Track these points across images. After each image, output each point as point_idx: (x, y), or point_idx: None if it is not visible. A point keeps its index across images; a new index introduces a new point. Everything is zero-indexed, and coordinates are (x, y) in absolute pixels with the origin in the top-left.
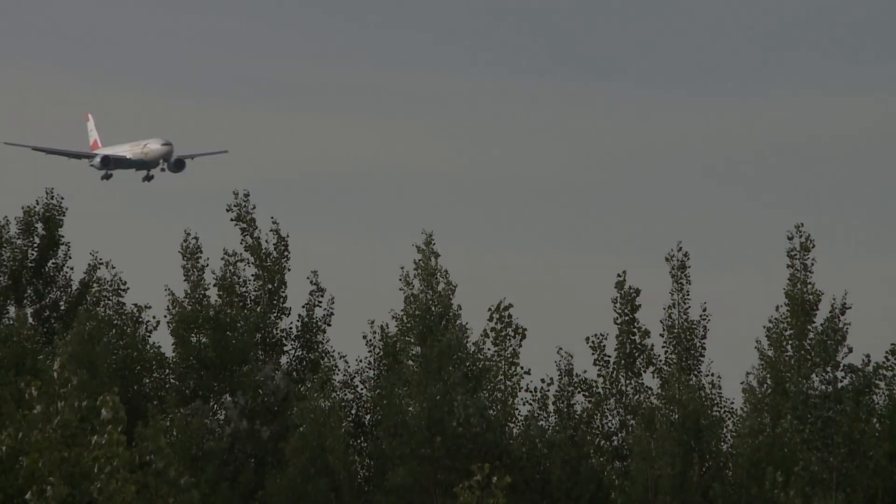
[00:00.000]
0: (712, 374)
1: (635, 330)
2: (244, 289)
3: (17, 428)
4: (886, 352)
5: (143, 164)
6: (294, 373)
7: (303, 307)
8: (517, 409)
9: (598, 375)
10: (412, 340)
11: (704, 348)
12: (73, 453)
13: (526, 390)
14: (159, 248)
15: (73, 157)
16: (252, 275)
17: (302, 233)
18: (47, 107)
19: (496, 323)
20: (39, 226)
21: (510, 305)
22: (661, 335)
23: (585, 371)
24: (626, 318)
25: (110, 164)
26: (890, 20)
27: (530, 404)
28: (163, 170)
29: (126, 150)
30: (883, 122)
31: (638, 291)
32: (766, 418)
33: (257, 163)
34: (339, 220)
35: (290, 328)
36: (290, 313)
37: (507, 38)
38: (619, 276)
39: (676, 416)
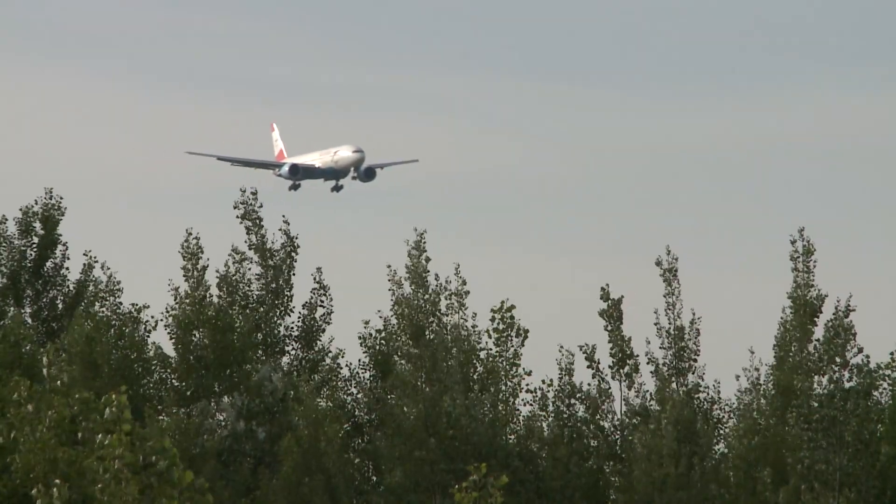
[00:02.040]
0: (707, 386)
1: (623, 338)
2: (248, 288)
3: (9, 427)
4: (892, 352)
5: (333, 173)
6: (294, 373)
7: (303, 306)
8: (518, 409)
9: (594, 377)
10: (405, 340)
11: (698, 351)
12: (66, 453)
13: (527, 391)
14: (163, 247)
15: (258, 168)
16: (255, 274)
17: (305, 233)
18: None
19: (498, 324)
20: (38, 226)
21: (513, 307)
22: (648, 342)
23: (581, 382)
24: (615, 324)
25: (299, 173)
26: (889, 21)
27: (531, 405)
28: (354, 178)
29: (315, 159)
30: (882, 122)
31: (621, 299)
32: (760, 419)
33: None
34: (342, 219)
35: (292, 327)
36: (292, 313)
37: (507, 40)
38: (602, 288)
39: (673, 417)
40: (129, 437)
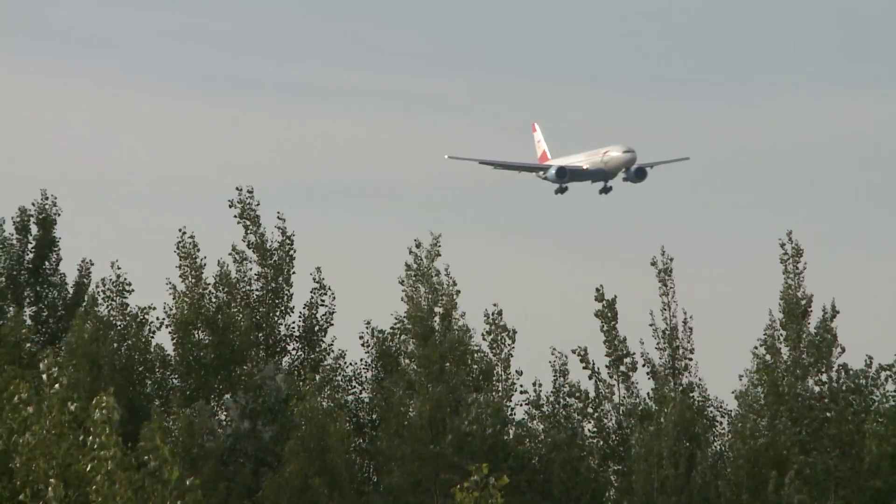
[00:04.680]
0: (701, 383)
1: (619, 339)
2: (247, 287)
3: (10, 429)
4: None
5: (602, 175)
6: (296, 372)
7: (304, 306)
8: (513, 409)
9: (590, 378)
10: (413, 340)
11: (692, 350)
12: (65, 454)
13: (521, 391)
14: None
15: (522, 171)
16: (255, 273)
17: (308, 232)
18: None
19: (491, 327)
20: (34, 228)
21: (501, 312)
22: (642, 342)
23: (578, 381)
24: (610, 324)
25: (566, 176)
26: (889, 21)
27: (525, 405)
28: (625, 179)
29: (582, 160)
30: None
31: (615, 300)
32: (762, 421)
33: (264, 161)
34: (345, 219)
35: (293, 327)
36: (292, 312)
37: (507, 40)
38: (597, 289)
39: (672, 418)
40: (119, 437)
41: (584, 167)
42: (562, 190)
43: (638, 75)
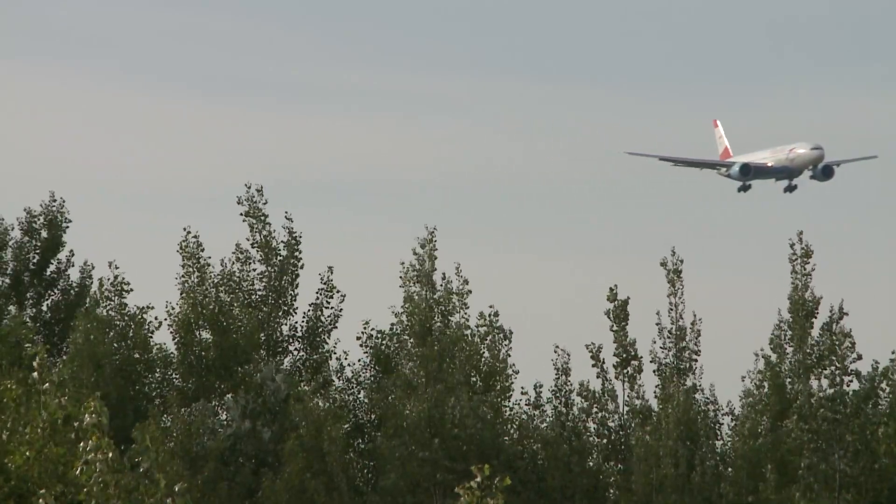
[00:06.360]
0: (704, 390)
1: (627, 339)
2: (251, 287)
3: (3, 427)
4: (891, 358)
5: (787, 173)
6: (298, 373)
7: (309, 306)
8: (512, 409)
9: (598, 377)
10: (411, 340)
11: (699, 351)
12: (57, 452)
13: (522, 392)
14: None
15: (703, 167)
16: (258, 273)
17: (307, 232)
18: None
19: (488, 328)
20: (43, 231)
21: (497, 312)
22: (654, 342)
23: (584, 381)
24: (620, 325)
25: (750, 173)
26: (889, 21)
27: (525, 405)
28: (811, 177)
29: (767, 157)
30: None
31: (628, 300)
32: (764, 421)
33: (264, 161)
34: (344, 219)
35: (296, 327)
36: (295, 312)
37: (507, 40)
38: (611, 289)
39: (672, 419)
40: (111, 441)
41: (769, 164)
42: (745, 188)
43: (638, 75)
